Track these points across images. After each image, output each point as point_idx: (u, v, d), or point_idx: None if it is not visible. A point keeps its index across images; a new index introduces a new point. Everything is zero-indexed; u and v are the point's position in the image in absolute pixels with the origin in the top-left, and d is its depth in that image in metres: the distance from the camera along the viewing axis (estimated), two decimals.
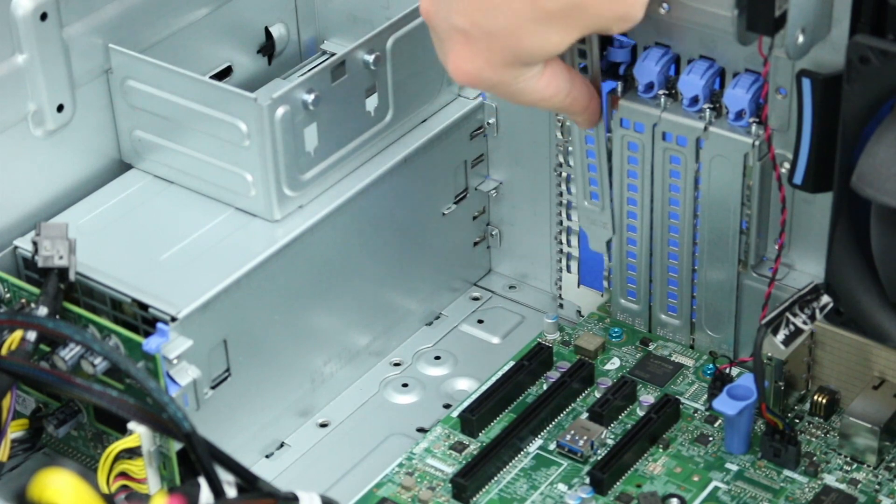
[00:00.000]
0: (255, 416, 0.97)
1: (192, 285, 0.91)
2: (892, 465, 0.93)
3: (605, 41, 0.98)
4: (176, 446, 0.86)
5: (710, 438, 0.96)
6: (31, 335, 0.85)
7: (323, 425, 1.01)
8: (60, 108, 0.96)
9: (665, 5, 0.92)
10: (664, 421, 0.96)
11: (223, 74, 1.07)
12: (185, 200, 0.98)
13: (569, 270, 1.07)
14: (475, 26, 0.85)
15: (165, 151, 0.99)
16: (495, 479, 0.94)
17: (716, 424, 0.97)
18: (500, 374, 1.00)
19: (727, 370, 0.98)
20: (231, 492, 0.84)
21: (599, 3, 0.84)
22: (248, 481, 0.86)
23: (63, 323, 0.85)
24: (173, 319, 0.89)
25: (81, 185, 0.99)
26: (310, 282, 0.98)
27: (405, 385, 1.04)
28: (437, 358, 1.06)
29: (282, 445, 1.00)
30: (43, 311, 0.86)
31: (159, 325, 0.87)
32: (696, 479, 0.93)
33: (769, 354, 0.92)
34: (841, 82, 0.84)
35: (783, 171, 0.93)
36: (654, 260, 1.01)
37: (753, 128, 0.93)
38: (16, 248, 0.94)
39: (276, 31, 1.09)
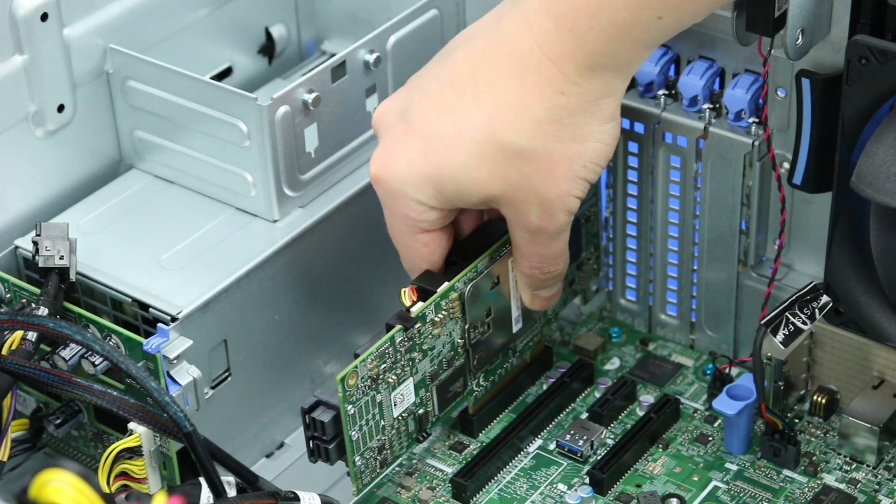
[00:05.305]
0: (255, 416, 0.97)
1: (193, 285, 0.91)
2: (892, 464, 0.93)
3: None
4: (176, 446, 0.86)
5: (710, 438, 0.96)
6: (32, 335, 0.85)
7: None
8: (61, 108, 0.96)
9: None
10: (664, 421, 0.96)
11: (223, 75, 1.07)
12: (185, 200, 0.98)
13: None
14: (423, 122, 0.85)
15: (166, 152, 0.99)
16: (495, 479, 0.94)
17: (715, 424, 0.97)
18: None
19: (727, 370, 0.98)
20: (231, 491, 0.84)
21: (537, 173, 0.84)
22: (248, 481, 0.86)
23: (63, 323, 0.85)
24: (174, 319, 0.89)
25: (82, 185, 0.99)
26: (310, 282, 0.98)
27: None
28: None
29: (282, 445, 1.00)
30: (43, 311, 0.86)
31: (160, 325, 0.87)
32: (695, 478, 0.93)
33: (769, 354, 0.92)
34: (840, 82, 0.84)
35: (783, 171, 0.93)
36: (654, 260, 1.01)
37: (753, 128, 0.93)
38: (16, 248, 0.94)
39: (276, 31, 1.09)
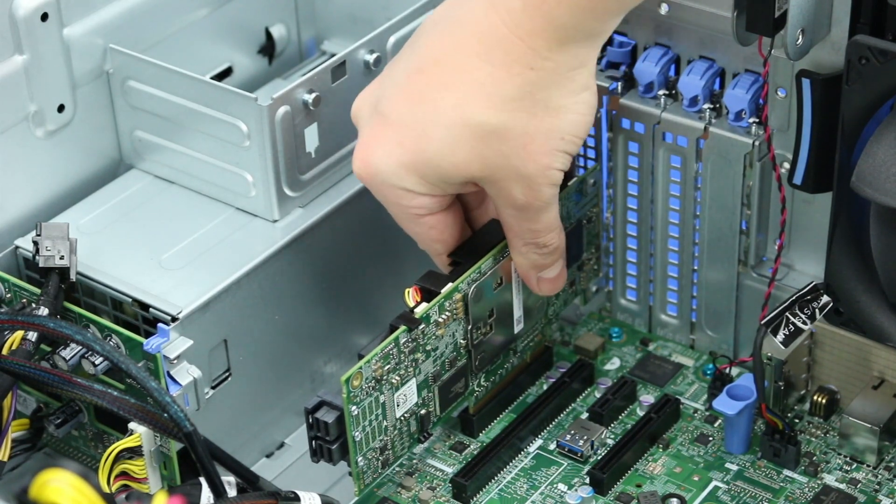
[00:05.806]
0: (255, 416, 0.97)
1: (193, 285, 0.91)
2: (892, 464, 0.93)
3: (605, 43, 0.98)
4: (176, 446, 0.86)
5: (710, 438, 0.96)
6: (32, 335, 0.85)
7: None
8: (61, 108, 0.96)
9: (665, 5, 0.92)
10: (664, 421, 0.96)
11: (223, 75, 1.07)
12: (185, 200, 0.98)
13: None
14: (396, 112, 0.85)
15: (166, 152, 0.99)
16: (495, 479, 0.94)
17: (716, 424, 0.97)
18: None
19: (727, 370, 0.98)
20: (231, 491, 0.84)
21: (514, 150, 0.83)
22: (248, 481, 0.86)
23: (64, 323, 0.85)
24: (174, 319, 0.89)
25: (82, 185, 0.99)
26: (310, 282, 0.98)
27: None
28: None
29: (282, 445, 1.00)
30: (44, 311, 0.86)
31: (160, 325, 0.87)
32: (696, 478, 0.93)
33: (769, 354, 0.92)
34: (840, 82, 0.84)
35: (783, 171, 0.93)
36: (654, 260, 1.01)
37: (753, 128, 0.93)
38: (16, 248, 0.94)
39: (277, 31, 1.09)
